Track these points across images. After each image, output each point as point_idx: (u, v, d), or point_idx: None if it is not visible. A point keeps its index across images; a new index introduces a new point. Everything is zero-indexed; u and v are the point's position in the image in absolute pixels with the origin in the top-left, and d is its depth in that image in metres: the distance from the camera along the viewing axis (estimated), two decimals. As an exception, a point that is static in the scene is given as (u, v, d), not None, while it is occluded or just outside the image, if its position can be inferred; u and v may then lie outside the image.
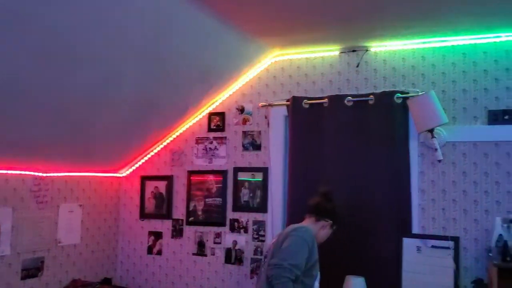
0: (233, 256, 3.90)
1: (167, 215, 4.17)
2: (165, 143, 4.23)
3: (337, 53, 3.70)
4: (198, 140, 4.12)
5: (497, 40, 3.27)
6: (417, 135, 3.38)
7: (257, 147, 3.90)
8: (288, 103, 3.74)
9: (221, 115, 4.04)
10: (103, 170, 4.15)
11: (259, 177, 3.86)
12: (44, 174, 3.58)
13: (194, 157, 4.12)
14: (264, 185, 3.83)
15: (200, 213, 4.05)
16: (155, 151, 4.26)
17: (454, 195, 3.31)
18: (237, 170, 3.94)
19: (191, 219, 4.08)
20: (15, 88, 2.64)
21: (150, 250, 4.23)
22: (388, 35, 3.38)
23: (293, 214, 3.46)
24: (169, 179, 4.19)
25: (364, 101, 3.48)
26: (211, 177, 4.03)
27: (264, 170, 3.84)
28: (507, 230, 3.01)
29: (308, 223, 3.01)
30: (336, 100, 3.56)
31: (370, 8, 2.87)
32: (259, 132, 3.90)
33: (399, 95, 3.39)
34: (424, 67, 3.45)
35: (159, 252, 4.19)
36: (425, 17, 3.00)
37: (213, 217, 3.99)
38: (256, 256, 3.81)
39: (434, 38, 3.38)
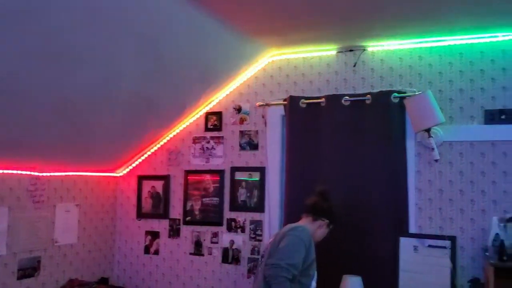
0: (230, 256, 3.90)
1: (164, 215, 4.17)
2: (162, 143, 4.23)
3: (334, 52, 3.70)
4: (195, 140, 4.11)
5: (494, 40, 3.28)
6: (414, 135, 3.39)
7: (254, 146, 3.90)
8: (285, 102, 3.73)
9: (218, 114, 4.04)
10: (100, 170, 4.14)
11: (256, 176, 3.86)
12: (41, 174, 3.57)
13: (191, 157, 4.11)
14: (261, 185, 3.83)
15: (197, 212, 4.05)
16: (152, 150, 4.26)
17: (451, 195, 3.31)
18: (234, 169, 3.94)
19: (188, 218, 4.08)
20: (13, 87, 2.63)
21: (147, 250, 4.22)
22: (385, 35, 3.39)
23: (290, 214, 3.46)
24: (166, 178, 4.18)
25: (361, 101, 3.49)
26: (208, 177, 4.03)
27: (261, 170, 3.84)
28: (504, 229, 3.01)
29: (305, 222, 3.01)
30: (333, 99, 3.56)
31: (367, 7, 2.87)
32: (256, 132, 3.90)
33: (396, 94, 3.39)
34: (421, 66, 3.46)
35: (156, 252, 4.18)
36: (422, 17, 3.00)
37: (210, 216, 3.99)
38: (253, 256, 3.80)
39: (431, 37, 3.38)
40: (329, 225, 3.05)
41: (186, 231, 4.08)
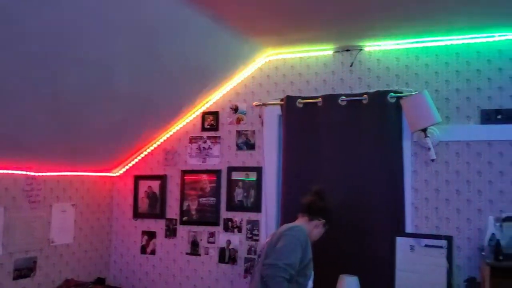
0: (227, 256, 3.89)
1: (161, 215, 4.16)
2: (158, 143, 4.22)
3: (331, 52, 3.70)
4: (192, 140, 4.11)
5: (490, 40, 3.29)
6: (410, 135, 3.39)
7: (251, 146, 3.90)
8: (282, 102, 3.73)
9: (214, 114, 4.03)
10: (96, 170, 4.13)
11: (253, 176, 3.86)
12: (37, 174, 3.56)
13: (188, 157, 4.11)
14: (258, 185, 3.83)
15: (193, 212, 4.04)
16: (149, 150, 4.25)
17: (447, 194, 3.32)
18: (231, 169, 3.94)
19: (184, 218, 4.07)
20: (7, 88, 2.62)
21: (143, 250, 4.21)
22: (382, 35, 3.39)
23: (287, 214, 3.46)
24: (162, 178, 4.17)
25: (358, 101, 3.49)
26: (204, 177, 4.02)
27: (258, 170, 3.84)
28: (500, 229, 3.02)
29: (301, 222, 3.01)
30: (330, 99, 3.56)
31: (363, 7, 2.87)
32: (253, 132, 3.89)
33: (393, 94, 3.40)
34: (417, 66, 3.46)
35: (153, 252, 4.17)
36: (418, 17, 3.01)
37: (207, 216, 3.99)
38: (250, 256, 3.80)
39: (428, 37, 3.39)
40: (325, 225, 3.05)
41: (183, 231, 4.08)
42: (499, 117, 3.23)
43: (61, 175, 3.80)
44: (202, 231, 4.00)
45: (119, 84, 3.16)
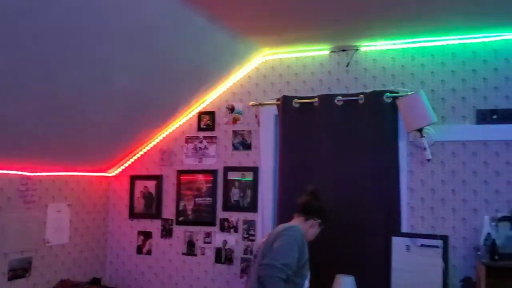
0: (223, 256, 3.89)
1: (157, 215, 4.15)
2: (154, 143, 4.21)
3: (327, 52, 3.70)
4: (188, 140, 4.10)
5: (486, 40, 3.30)
6: (406, 135, 3.40)
7: (247, 146, 3.89)
8: (278, 102, 3.73)
9: (211, 114, 4.03)
10: (92, 170, 4.12)
11: (249, 176, 3.86)
12: (32, 174, 3.55)
13: (184, 157, 4.10)
14: (254, 185, 3.82)
15: (190, 212, 4.04)
16: (145, 150, 4.24)
17: (443, 194, 3.32)
18: (227, 169, 3.93)
19: (180, 218, 4.07)
20: (2, 86, 2.61)
21: (139, 250, 4.20)
22: (378, 35, 3.40)
23: (283, 214, 3.46)
24: (158, 178, 4.16)
25: (354, 101, 3.49)
26: (201, 177, 4.02)
27: (255, 170, 3.83)
28: (496, 228, 3.03)
29: (297, 222, 3.01)
30: (326, 99, 3.57)
31: (360, 7, 2.87)
32: (250, 132, 3.89)
33: (389, 94, 3.40)
34: (413, 66, 3.47)
35: (149, 252, 4.16)
36: (414, 17, 3.01)
37: (203, 216, 3.98)
38: (246, 256, 3.80)
39: (424, 37, 3.40)
40: (321, 225, 3.05)
41: (179, 231, 4.07)
42: (494, 117, 3.24)
43: (57, 175, 3.78)
44: (198, 231, 4.00)
45: (115, 84, 3.15)
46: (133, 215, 4.25)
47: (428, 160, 3.28)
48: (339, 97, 3.53)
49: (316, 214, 3.02)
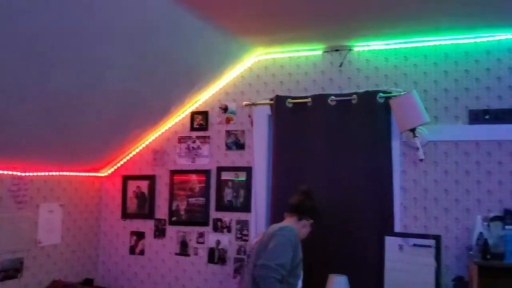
0: (216, 256, 3.88)
1: (150, 215, 4.13)
2: (147, 142, 4.19)
3: (320, 52, 3.70)
4: (181, 139, 4.09)
5: (478, 40, 3.31)
6: (399, 135, 3.41)
7: (240, 146, 3.89)
8: (271, 102, 3.73)
9: (204, 114, 4.02)
10: (84, 170, 4.10)
11: (242, 176, 3.85)
12: (23, 174, 3.52)
13: (177, 157, 4.09)
14: (247, 185, 3.82)
15: (183, 213, 4.02)
16: (137, 150, 4.22)
17: (436, 194, 3.33)
18: (220, 169, 3.92)
19: (173, 219, 4.05)
20: (-8, 85, 2.59)
21: (132, 250, 4.18)
22: (371, 35, 3.40)
23: (277, 214, 3.45)
24: (151, 178, 4.15)
25: (347, 101, 3.50)
26: (194, 177, 4.01)
27: (248, 170, 3.83)
28: (488, 228, 3.04)
29: (290, 222, 3.01)
30: (320, 99, 3.57)
31: (353, 7, 2.87)
32: (243, 131, 3.88)
33: (382, 94, 3.41)
34: (406, 66, 3.48)
35: (142, 252, 4.15)
36: (407, 17, 3.02)
37: (196, 216, 3.97)
38: (239, 256, 3.79)
39: (416, 37, 3.40)
40: (312, 225, 3.05)
41: (172, 231, 4.06)
42: (487, 117, 3.25)
43: (49, 175, 3.76)
44: (191, 231, 3.98)
45: (108, 83, 3.14)
46: (125, 215, 4.23)
47: (421, 160, 3.29)
48: (332, 97, 3.54)
49: (309, 215, 3.02)
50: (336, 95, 3.54)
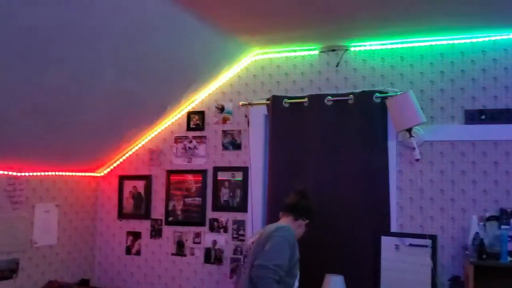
0: (212, 256, 3.88)
1: (146, 215, 4.12)
2: (143, 142, 4.18)
3: (317, 52, 3.70)
4: (177, 139, 4.08)
5: (474, 40, 3.32)
6: (395, 134, 3.41)
7: (237, 146, 3.88)
8: (268, 102, 3.73)
9: (200, 114, 4.01)
10: (80, 170, 4.08)
11: (239, 176, 3.85)
12: (19, 174, 3.51)
13: (173, 157, 4.08)
14: (244, 185, 3.81)
15: (179, 213, 4.02)
16: (133, 150, 4.21)
17: (432, 194, 3.34)
18: (217, 169, 3.92)
19: (170, 219, 4.04)
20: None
21: (128, 251, 4.17)
22: (367, 35, 3.41)
23: (273, 214, 3.45)
24: (147, 178, 4.14)
25: (344, 101, 3.50)
26: (190, 177, 4.00)
27: (244, 170, 3.82)
28: (483, 228, 3.05)
29: (286, 222, 3.01)
30: (316, 99, 3.57)
31: (349, 7, 2.88)
32: (239, 131, 3.88)
33: (378, 94, 3.41)
34: (403, 67, 3.48)
35: (138, 252, 4.14)
36: (403, 17, 3.02)
37: (193, 217, 3.96)
38: (236, 256, 3.79)
39: (412, 38, 3.41)
40: (307, 225, 3.06)
41: (168, 231, 4.05)
42: (482, 117, 3.26)
43: (44, 175, 3.75)
44: (188, 231, 3.98)
45: (104, 83, 3.13)
46: (122, 215, 4.22)
47: (417, 160, 3.29)
48: (329, 97, 3.54)
49: (305, 215, 3.02)
50: (332, 95, 3.54)
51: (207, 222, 3.92)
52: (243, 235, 3.79)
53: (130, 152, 4.22)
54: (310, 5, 2.84)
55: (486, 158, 3.25)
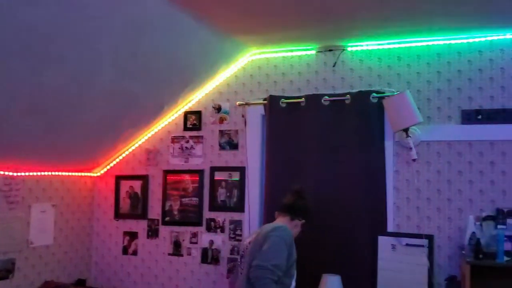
0: (209, 256, 3.87)
1: (143, 215, 4.12)
2: (140, 142, 4.17)
3: (314, 52, 3.70)
4: (174, 139, 4.07)
5: (471, 41, 3.33)
6: (392, 135, 3.41)
7: (234, 146, 3.88)
8: (265, 102, 3.73)
9: (197, 113, 4.01)
10: (77, 169, 4.07)
11: (236, 176, 3.84)
12: (15, 174, 3.50)
13: (170, 157, 4.08)
14: (241, 185, 3.81)
15: (176, 213, 4.01)
16: (130, 150, 4.20)
17: (428, 194, 3.35)
18: (213, 169, 3.92)
19: (167, 219, 4.04)
20: (-16, 85, 2.57)
21: (125, 251, 4.17)
22: (364, 35, 3.41)
23: (270, 214, 3.44)
24: (144, 178, 4.13)
25: (341, 101, 3.50)
26: (187, 177, 3.99)
27: (241, 170, 3.82)
28: (480, 228, 3.06)
29: (283, 222, 3.00)
30: (313, 99, 3.57)
31: (346, 7, 2.88)
32: (236, 131, 3.88)
33: (375, 94, 3.42)
34: (399, 67, 3.49)
35: (135, 253, 4.13)
36: (400, 17, 3.03)
37: (189, 217, 3.96)
38: (232, 256, 3.79)
39: (409, 38, 3.41)
40: (303, 225, 3.06)
41: (165, 231, 4.04)
42: (479, 117, 3.27)
43: (41, 175, 3.74)
44: (185, 231, 3.97)
45: (101, 83, 3.12)
46: (118, 215, 4.21)
47: (414, 160, 3.30)
48: (326, 97, 3.54)
49: (302, 215, 3.02)
50: (329, 95, 3.54)
51: (204, 222, 3.91)
52: (240, 235, 3.78)
53: (127, 152, 4.21)
54: (307, 5, 2.84)
55: (483, 158, 3.25)
